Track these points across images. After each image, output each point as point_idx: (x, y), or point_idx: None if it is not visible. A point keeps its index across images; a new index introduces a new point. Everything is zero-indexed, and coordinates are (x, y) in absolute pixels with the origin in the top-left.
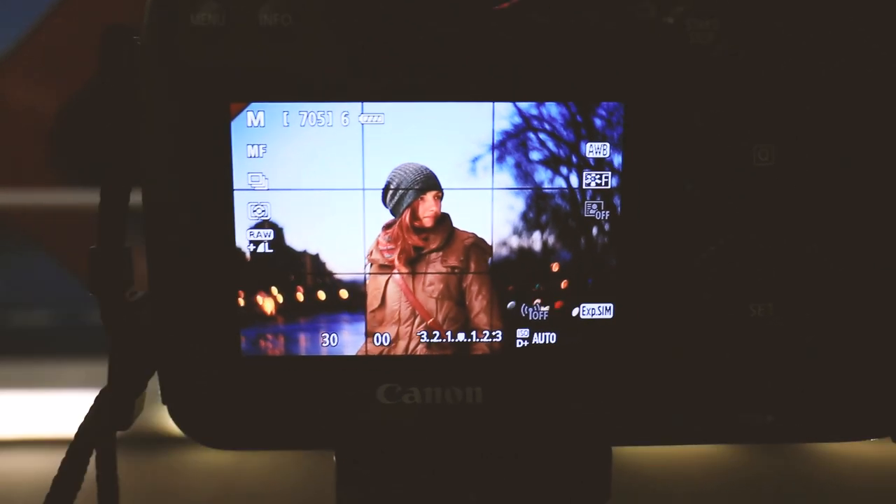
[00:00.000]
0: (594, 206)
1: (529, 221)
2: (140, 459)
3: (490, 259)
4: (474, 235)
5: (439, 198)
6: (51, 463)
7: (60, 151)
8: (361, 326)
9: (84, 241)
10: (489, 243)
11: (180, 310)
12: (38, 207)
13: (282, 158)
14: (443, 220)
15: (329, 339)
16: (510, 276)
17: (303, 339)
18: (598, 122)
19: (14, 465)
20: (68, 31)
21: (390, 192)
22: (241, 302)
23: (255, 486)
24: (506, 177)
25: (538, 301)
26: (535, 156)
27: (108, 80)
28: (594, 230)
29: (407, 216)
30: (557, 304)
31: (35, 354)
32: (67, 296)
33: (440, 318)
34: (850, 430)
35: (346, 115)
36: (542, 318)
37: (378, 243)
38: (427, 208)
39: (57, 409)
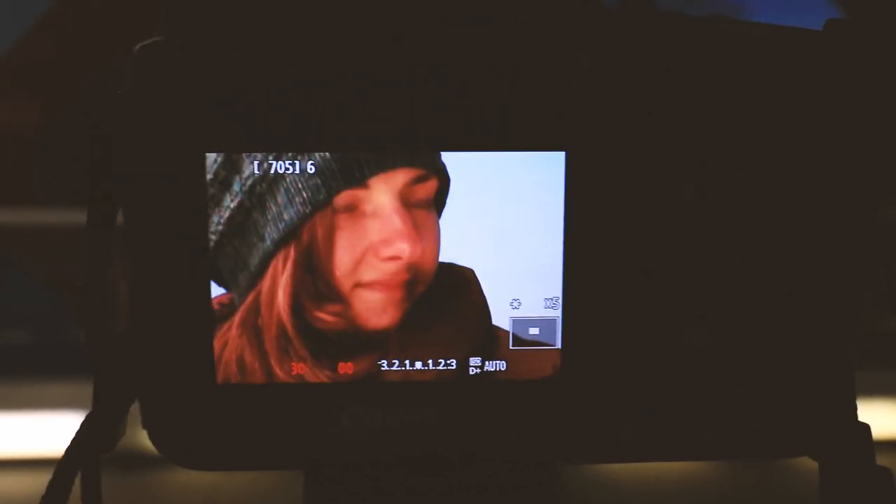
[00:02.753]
0: None
1: None
2: (124, 478)
3: None
4: None
5: None
6: (31, 483)
7: (44, 170)
8: None
9: (66, 261)
10: None
11: (160, 343)
12: (19, 225)
13: None
14: None
15: (297, 367)
16: None
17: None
18: None
19: None
20: (51, 47)
21: None
22: None
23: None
24: None
25: None
26: None
27: (96, 136)
28: None
29: None
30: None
31: (14, 374)
32: (47, 314)
33: None
34: (774, 449)
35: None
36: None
37: None
38: None
39: (38, 430)
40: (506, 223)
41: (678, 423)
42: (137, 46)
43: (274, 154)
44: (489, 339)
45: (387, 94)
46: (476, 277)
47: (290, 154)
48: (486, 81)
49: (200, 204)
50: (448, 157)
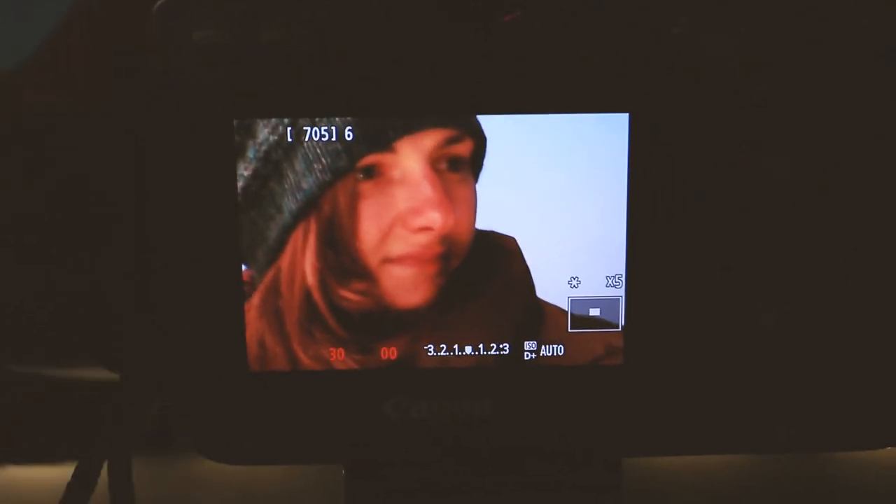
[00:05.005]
0: None
1: None
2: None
3: None
4: None
5: None
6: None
7: None
8: None
9: None
10: None
11: (188, 328)
12: None
13: None
14: None
15: (336, 353)
16: None
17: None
18: None
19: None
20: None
21: None
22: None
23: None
24: None
25: None
26: None
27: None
28: None
29: None
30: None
31: None
32: None
33: None
34: (867, 439)
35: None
36: None
37: None
38: None
39: None
40: (561, 193)
41: (751, 413)
42: (157, 5)
43: (290, 118)
44: (534, 315)
45: (425, 59)
46: (518, 247)
47: (307, 118)
48: (544, 38)
49: (229, 173)
50: (489, 118)
